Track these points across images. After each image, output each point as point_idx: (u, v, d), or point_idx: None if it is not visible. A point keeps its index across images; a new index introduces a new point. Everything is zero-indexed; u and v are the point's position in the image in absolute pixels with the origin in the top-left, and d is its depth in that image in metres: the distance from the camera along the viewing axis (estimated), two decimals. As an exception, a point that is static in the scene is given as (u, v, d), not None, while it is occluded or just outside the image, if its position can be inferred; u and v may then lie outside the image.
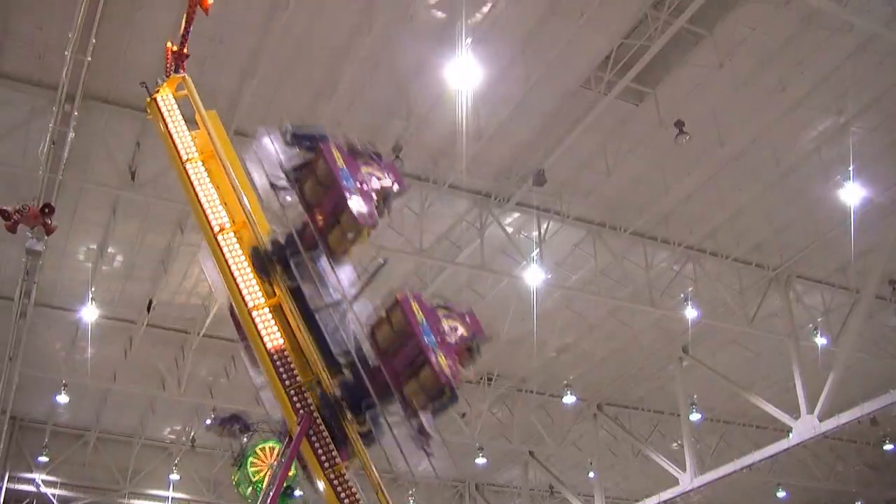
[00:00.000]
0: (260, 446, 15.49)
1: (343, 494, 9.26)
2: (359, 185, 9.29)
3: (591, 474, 33.30)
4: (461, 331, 9.24)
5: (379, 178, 9.57)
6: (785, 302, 24.82)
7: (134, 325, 25.43)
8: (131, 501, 32.83)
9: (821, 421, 23.64)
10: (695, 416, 29.49)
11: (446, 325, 9.13)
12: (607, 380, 29.95)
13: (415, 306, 8.97)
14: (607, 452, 33.32)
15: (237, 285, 10.03)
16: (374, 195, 9.40)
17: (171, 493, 33.09)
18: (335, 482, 9.32)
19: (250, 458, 15.56)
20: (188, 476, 33.18)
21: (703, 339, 26.70)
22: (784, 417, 25.01)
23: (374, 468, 9.69)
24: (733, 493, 37.50)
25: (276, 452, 13.78)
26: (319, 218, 9.47)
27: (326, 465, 9.37)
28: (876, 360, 27.07)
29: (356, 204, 9.12)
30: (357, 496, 9.33)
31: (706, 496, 35.07)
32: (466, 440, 30.18)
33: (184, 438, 32.27)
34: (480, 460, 33.23)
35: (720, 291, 24.37)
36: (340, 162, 9.30)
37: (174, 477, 32.91)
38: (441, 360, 8.73)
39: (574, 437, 32.73)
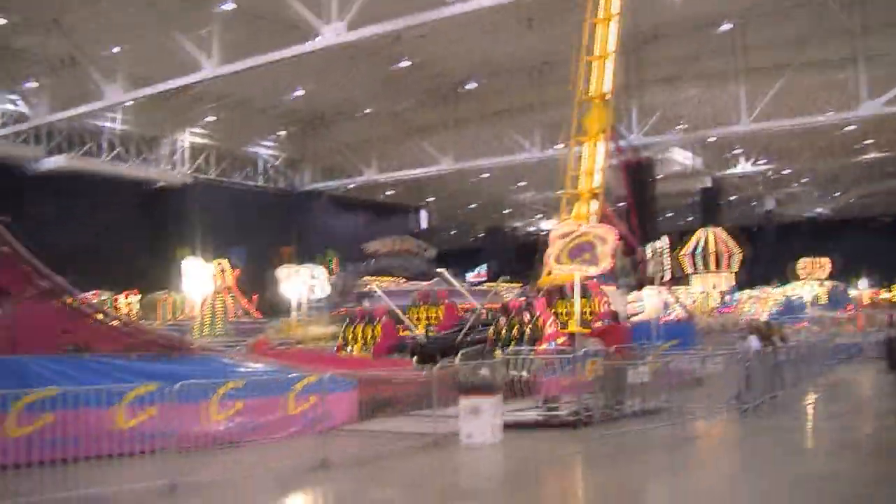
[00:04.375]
0: None
1: None
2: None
3: (116, 49, 32.55)
4: None
5: None
6: None
7: None
8: None
9: (348, 29, 25.49)
10: (228, 6, 29.63)
11: None
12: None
13: None
14: (133, 30, 32.33)
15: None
16: None
17: None
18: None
19: None
20: None
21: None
22: (314, 20, 26.29)
23: None
24: (254, 87, 39.32)
25: None
26: None
27: None
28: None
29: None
30: None
31: (228, 85, 36.47)
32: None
33: None
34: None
35: None
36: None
37: None
38: None
39: (105, 7, 30.85)
